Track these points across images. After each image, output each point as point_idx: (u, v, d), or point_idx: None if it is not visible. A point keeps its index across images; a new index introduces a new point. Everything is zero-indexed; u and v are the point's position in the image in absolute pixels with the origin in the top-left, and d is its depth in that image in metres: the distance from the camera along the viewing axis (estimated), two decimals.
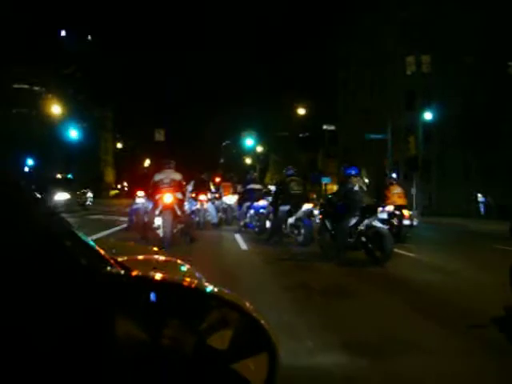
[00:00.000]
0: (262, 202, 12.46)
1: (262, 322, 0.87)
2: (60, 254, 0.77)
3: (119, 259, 1.03)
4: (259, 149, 57.98)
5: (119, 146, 67.91)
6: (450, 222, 21.35)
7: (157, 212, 9.21)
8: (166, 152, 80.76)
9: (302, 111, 35.33)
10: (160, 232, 9.12)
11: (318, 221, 10.18)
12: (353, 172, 8.62)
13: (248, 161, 73.38)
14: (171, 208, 9.06)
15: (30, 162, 33.96)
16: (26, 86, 44.32)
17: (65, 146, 41.27)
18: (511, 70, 27.87)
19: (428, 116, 25.61)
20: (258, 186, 13.61)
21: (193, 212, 12.91)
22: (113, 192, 66.59)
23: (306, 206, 10.11)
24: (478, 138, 26.01)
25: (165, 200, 9.04)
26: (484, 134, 25.93)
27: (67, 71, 54.04)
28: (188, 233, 9.86)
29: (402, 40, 32.29)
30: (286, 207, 10.31)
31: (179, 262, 1.58)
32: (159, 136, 35.58)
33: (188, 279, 1.12)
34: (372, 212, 8.00)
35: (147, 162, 79.40)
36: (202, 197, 12.79)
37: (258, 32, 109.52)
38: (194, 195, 13.37)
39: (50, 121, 34.15)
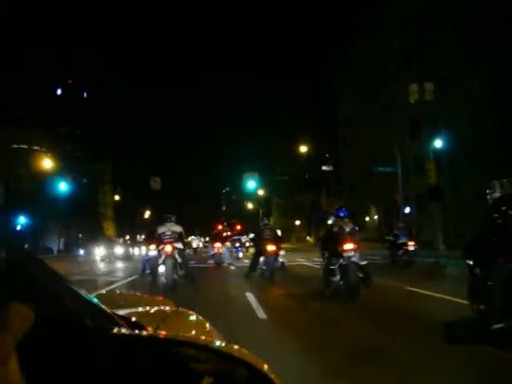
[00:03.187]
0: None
1: (273, 378, 0.86)
2: (63, 316, 0.77)
3: (127, 312, 1.09)
4: (260, 192, 56.72)
5: (117, 198, 66.63)
6: None
7: (160, 261, 10.76)
8: (165, 202, 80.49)
9: (303, 149, 34.19)
10: (163, 278, 10.47)
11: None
12: (341, 214, 9.42)
13: (250, 206, 72.10)
14: (171, 256, 10.48)
15: (22, 219, 32.57)
16: (24, 146, 44.44)
17: (61, 201, 40.17)
18: None
19: (438, 144, 24.28)
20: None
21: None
22: None
23: (270, 248, 12.26)
24: (490, 165, 24.55)
25: (166, 249, 10.51)
26: (496, 162, 24.48)
27: (64, 129, 54.13)
28: (191, 279, 11.01)
29: (403, 67, 31.58)
30: (258, 250, 13.14)
31: (188, 312, 1.63)
32: (155, 184, 34.45)
33: (199, 336, 1.21)
34: (337, 251, 8.86)
35: (147, 213, 78.53)
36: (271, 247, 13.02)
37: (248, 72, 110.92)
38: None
39: (42, 177, 33.05)
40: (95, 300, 0.92)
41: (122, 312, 1.13)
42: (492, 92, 25.76)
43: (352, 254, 8.77)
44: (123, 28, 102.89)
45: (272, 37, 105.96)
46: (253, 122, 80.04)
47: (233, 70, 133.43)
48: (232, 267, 18.14)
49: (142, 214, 75.60)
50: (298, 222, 62.51)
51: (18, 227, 31.43)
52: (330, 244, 9.30)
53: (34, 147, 43.68)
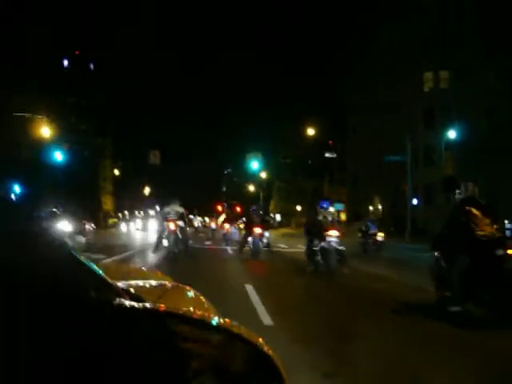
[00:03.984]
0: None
1: (272, 354, 0.86)
2: (67, 286, 0.77)
3: (125, 284, 1.10)
4: (263, 175, 55.83)
5: (116, 172, 65.76)
6: None
7: (164, 236, 12.91)
8: (165, 179, 79.86)
9: (310, 133, 33.10)
10: (168, 249, 12.74)
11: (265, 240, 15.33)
12: (324, 205, 11.25)
13: (251, 188, 71.30)
14: (174, 233, 12.66)
15: (16, 189, 31.67)
16: (28, 115, 41.42)
17: (59, 172, 39.44)
18: None
19: (452, 135, 23.32)
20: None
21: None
22: (112, 221, 64.48)
23: (257, 230, 13.88)
24: (504, 159, 23.62)
25: (169, 227, 12.68)
26: (510, 155, 23.56)
27: (71, 100, 53.46)
28: (186, 251, 13.47)
29: (419, 55, 30.38)
30: (247, 231, 15.18)
31: (186, 287, 1.64)
32: (154, 158, 33.49)
33: (199, 309, 1.26)
34: (321, 236, 10.41)
35: (147, 190, 77.84)
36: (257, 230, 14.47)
37: (260, 51, 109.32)
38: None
39: (41, 146, 32.06)
40: (96, 268, 0.87)
41: (119, 284, 1.06)
42: (508, 84, 24.76)
43: (334, 239, 10.33)
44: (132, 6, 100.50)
45: (288, 17, 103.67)
46: (259, 103, 79.09)
47: (242, 47, 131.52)
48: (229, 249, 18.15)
49: (142, 190, 75.03)
50: (299, 208, 61.77)
51: (13, 197, 30.52)
52: (313, 229, 10.73)
53: (39, 116, 41.43)
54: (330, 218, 10.87)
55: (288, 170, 63.95)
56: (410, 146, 23.65)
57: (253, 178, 61.78)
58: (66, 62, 61.57)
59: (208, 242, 21.54)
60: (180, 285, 1.70)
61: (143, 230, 35.68)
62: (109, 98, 62.82)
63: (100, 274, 0.86)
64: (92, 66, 66.71)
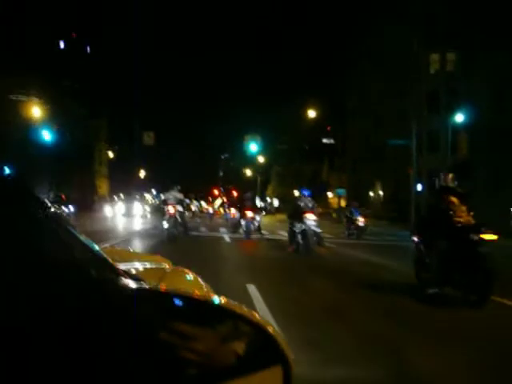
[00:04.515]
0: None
1: (274, 334, 0.87)
2: (68, 265, 0.77)
3: (126, 266, 1.10)
4: (261, 159, 54.82)
5: (111, 155, 64.59)
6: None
7: (165, 219, 14.13)
8: (160, 163, 78.83)
9: (308, 117, 32.01)
10: (167, 232, 13.79)
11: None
12: (305, 194, 12.65)
13: (248, 173, 70.33)
14: (173, 216, 13.92)
15: (6, 170, 30.69)
16: (23, 98, 40.21)
17: (52, 155, 38.58)
18: None
19: (459, 118, 22.40)
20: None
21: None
22: None
23: (248, 214, 15.78)
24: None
25: (169, 211, 13.92)
26: None
27: (65, 82, 52.43)
28: (185, 232, 15.21)
29: (423, 36, 29.22)
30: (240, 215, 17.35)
31: (185, 270, 1.68)
32: (148, 139, 32.40)
33: (198, 292, 1.30)
34: (301, 219, 11.85)
35: (142, 173, 76.80)
36: (249, 214, 16.22)
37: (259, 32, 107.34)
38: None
39: (32, 127, 31.02)
40: (97, 248, 0.88)
41: (120, 267, 1.04)
42: None
43: (312, 222, 11.84)
44: None
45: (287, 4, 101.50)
46: (257, 86, 77.62)
47: (241, 36, 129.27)
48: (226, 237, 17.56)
49: (137, 173, 74.01)
50: (296, 193, 60.94)
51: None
52: (296, 214, 12.25)
53: (33, 98, 38.84)
54: (310, 205, 12.28)
55: (286, 155, 63.05)
56: (415, 129, 22.64)
57: (251, 161, 60.69)
58: (62, 44, 60.70)
59: (203, 229, 20.53)
60: (179, 267, 1.73)
61: (127, 216, 32.24)
62: (105, 80, 62.06)
63: (101, 254, 0.85)
64: (88, 49, 65.84)
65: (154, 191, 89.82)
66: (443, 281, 5.81)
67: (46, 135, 26.47)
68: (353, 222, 17.94)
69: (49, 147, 27.74)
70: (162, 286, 1.07)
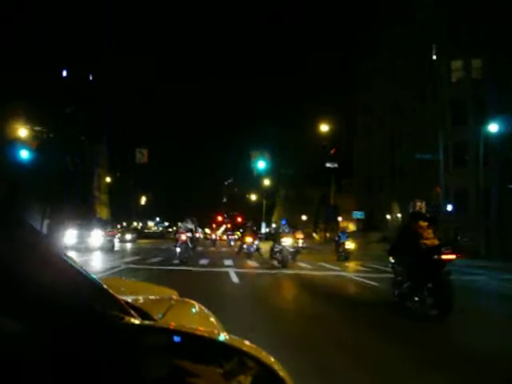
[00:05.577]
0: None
1: (281, 372, 0.86)
2: (69, 296, 0.73)
3: (130, 299, 1.09)
4: (266, 182, 52.36)
5: (108, 179, 62.17)
6: None
7: (177, 245, 16.58)
8: (162, 189, 76.60)
9: (323, 129, 29.52)
10: (178, 255, 16.34)
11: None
12: (283, 222, 17.40)
13: (254, 198, 67.76)
14: (185, 242, 16.38)
15: None
16: (27, 126, 40.24)
17: (46, 179, 36.48)
18: None
19: (493, 128, 19.80)
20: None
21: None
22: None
23: (248, 240, 19.66)
24: None
25: (181, 238, 16.45)
26: None
27: (68, 111, 51.59)
28: (194, 251, 18.64)
29: (443, 43, 26.91)
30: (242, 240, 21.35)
31: (191, 302, 1.66)
32: (141, 157, 29.74)
33: (205, 325, 1.34)
34: (279, 241, 15.61)
35: (143, 200, 74.54)
36: (249, 239, 19.95)
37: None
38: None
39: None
40: (101, 283, 0.82)
41: (125, 298, 1.03)
42: None
43: (287, 244, 15.18)
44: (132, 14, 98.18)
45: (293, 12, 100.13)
46: (259, 110, 75.98)
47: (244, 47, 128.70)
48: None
49: (138, 200, 71.81)
50: (304, 217, 58.06)
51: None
52: (276, 238, 16.08)
53: (36, 128, 39.93)
54: (286, 230, 16.44)
55: (292, 179, 60.72)
56: (442, 140, 20.04)
57: (256, 185, 58.46)
58: (64, 73, 60.78)
59: (204, 261, 17.33)
60: (185, 299, 1.71)
61: (79, 250, 21.44)
62: (106, 106, 61.43)
63: (105, 287, 0.81)
64: (91, 77, 65.57)
65: (157, 219, 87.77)
66: (410, 296, 6.48)
67: (24, 153, 24.44)
68: (340, 245, 19.36)
69: (20, 163, 25.68)
70: (167, 321, 1.03)
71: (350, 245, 19.03)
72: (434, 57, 30.10)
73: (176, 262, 15.63)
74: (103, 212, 66.74)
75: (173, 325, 0.92)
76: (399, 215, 35.17)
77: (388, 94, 34.68)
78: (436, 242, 6.33)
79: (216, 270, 13.70)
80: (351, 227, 55.87)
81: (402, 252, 6.82)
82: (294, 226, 43.38)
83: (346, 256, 18.82)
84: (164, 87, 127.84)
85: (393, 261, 7.23)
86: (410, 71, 29.65)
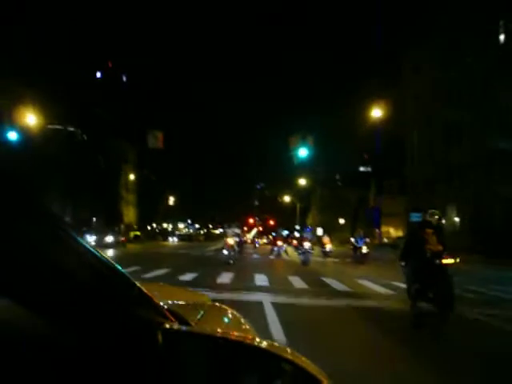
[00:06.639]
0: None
1: (319, 377, 0.84)
2: (112, 303, 0.71)
3: (166, 303, 1.09)
4: (302, 182, 48.66)
5: (132, 177, 59.50)
6: None
7: (225, 248, 17.96)
8: (191, 189, 74.38)
9: (375, 114, 25.61)
10: (226, 257, 17.61)
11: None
12: (307, 230, 24.52)
13: (286, 199, 64.12)
14: (232, 247, 17.98)
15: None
16: (59, 127, 44.01)
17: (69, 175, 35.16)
18: None
19: None
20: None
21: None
22: (132, 233, 58.71)
23: (279, 243, 24.53)
24: None
25: (228, 242, 18.01)
26: None
27: (100, 111, 53.04)
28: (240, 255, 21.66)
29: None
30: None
31: (224, 307, 1.64)
32: (154, 141, 25.68)
33: (239, 331, 1.33)
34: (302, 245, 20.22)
35: (172, 200, 72.01)
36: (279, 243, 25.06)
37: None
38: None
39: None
40: (140, 286, 0.78)
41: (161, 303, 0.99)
42: None
43: (307, 246, 19.09)
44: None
45: None
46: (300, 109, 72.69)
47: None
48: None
49: (167, 200, 69.32)
50: (342, 221, 53.98)
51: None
52: (299, 241, 23.10)
53: (70, 128, 44.63)
54: (307, 236, 20.70)
55: (329, 179, 57.23)
56: None
57: (289, 185, 55.25)
58: (98, 74, 65.11)
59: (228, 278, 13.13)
60: (218, 304, 1.71)
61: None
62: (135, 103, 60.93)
63: (144, 291, 0.77)
64: (125, 78, 69.42)
65: (189, 221, 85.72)
66: (418, 296, 6.88)
67: (13, 135, 23.10)
68: (357, 249, 20.90)
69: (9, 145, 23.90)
70: (203, 326, 1.02)
71: (366, 250, 20.84)
72: (502, 36, 25.89)
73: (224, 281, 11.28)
74: (130, 213, 64.45)
75: (216, 331, 0.92)
76: (456, 219, 30.76)
77: (441, 82, 30.49)
78: (440, 247, 6.85)
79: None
80: (392, 232, 51.65)
81: (410, 257, 7.35)
82: (327, 232, 41.54)
83: (361, 260, 20.43)
84: (200, 88, 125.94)
85: (403, 264, 7.67)
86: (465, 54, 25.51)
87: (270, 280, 11.88)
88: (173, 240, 36.28)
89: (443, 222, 36.59)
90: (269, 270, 14.86)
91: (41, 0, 40.61)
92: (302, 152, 24.11)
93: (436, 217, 7.18)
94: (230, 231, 18.75)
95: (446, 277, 6.60)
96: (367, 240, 25.53)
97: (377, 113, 25.82)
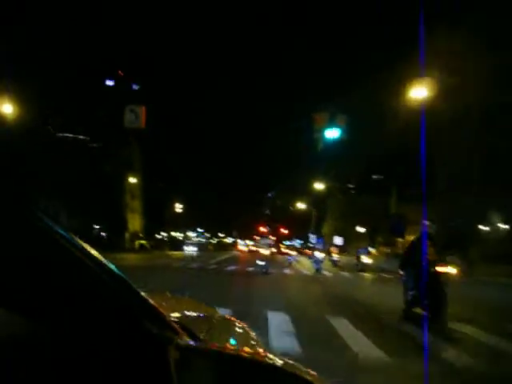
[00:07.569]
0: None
1: None
2: (120, 317, 0.68)
3: (174, 317, 1.07)
4: (319, 186, 44.93)
5: (133, 180, 56.11)
6: None
7: (259, 258, 19.06)
8: (197, 198, 71.67)
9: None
10: (261, 268, 18.38)
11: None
12: (318, 240, 31.76)
13: (300, 206, 60.30)
14: (266, 257, 18.97)
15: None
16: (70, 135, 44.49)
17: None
18: None
19: None
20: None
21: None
22: (138, 242, 55.63)
23: (292, 252, 39.47)
24: None
25: (261, 252, 19.35)
26: None
27: (105, 116, 51.55)
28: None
29: None
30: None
31: (233, 319, 1.64)
32: (133, 119, 20.11)
33: (247, 344, 1.31)
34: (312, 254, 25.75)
35: (178, 207, 68.73)
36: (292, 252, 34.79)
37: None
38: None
39: None
40: (150, 300, 0.74)
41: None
42: None
43: (335, 257, 25.16)
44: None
45: None
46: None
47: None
48: None
49: (173, 207, 66.07)
50: (362, 230, 50.08)
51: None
52: (312, 251, 28.46)
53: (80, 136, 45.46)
54: (318, 246, 23.67)
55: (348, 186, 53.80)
56: None
57: (302, 191, 51.86)
58: (110, 82, 64.71)
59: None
60: (226, 316, 1.68)
61: None
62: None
63: (154, 305, 0.73)
64: (136, 87, 66.09)
65: (199, 229, 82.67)
66: (414, 302, 7.42)
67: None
68: (357, 258, 23.24)
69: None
70: (212, 339, 1.00)
71: (367, 260, 22.97)
72: None
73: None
74: (135, 221, 61.13)
75: (227, 347, 0.91)
76: (500, 225, 26.86)
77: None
78: (435, 257, 7.20)
79: None
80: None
81: (409, 265, 7.63)
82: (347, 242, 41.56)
83: (361, 269, 22.18)
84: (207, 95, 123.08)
85: (402, 273, 7.97)
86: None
87: (298, 330, 6.30)
88: (188, 250, 32.45)
89: (486, 228, 32.97)
90: (289, 299, 10.13)
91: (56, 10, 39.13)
92: (332, 133, 19.36)
93: (432, 228, 7.99)
94: (262, 241, 20.43)
95: (441, 285, 7.15)
96: (372, 250, 29.18)
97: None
